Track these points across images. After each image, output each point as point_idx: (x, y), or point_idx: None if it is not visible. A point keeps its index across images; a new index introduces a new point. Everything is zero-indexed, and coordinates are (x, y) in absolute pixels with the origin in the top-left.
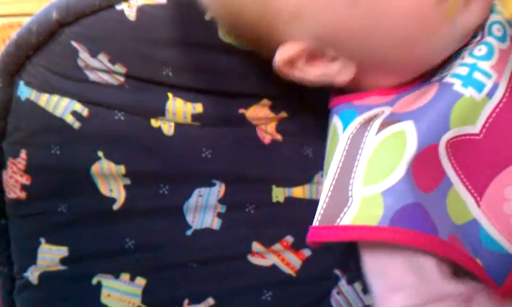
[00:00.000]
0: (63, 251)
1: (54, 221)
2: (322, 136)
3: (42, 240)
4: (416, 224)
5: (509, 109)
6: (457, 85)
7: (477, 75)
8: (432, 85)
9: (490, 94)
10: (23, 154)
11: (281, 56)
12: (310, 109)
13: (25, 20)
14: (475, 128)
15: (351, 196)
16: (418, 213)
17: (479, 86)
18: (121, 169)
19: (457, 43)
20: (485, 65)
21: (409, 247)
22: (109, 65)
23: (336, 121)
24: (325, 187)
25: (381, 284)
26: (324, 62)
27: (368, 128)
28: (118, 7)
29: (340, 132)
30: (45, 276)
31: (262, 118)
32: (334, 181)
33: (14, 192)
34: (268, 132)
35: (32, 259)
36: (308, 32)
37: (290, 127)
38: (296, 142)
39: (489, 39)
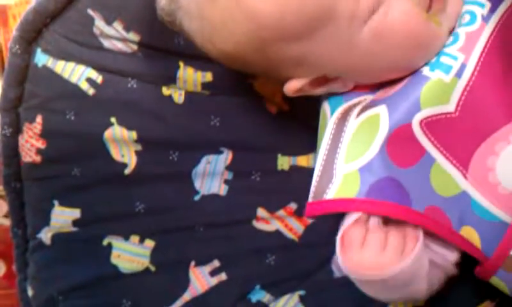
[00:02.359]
0: (75, 213)
1: (68, 184)
2: None
3: (56, 202)
4: (389, 196)
5: (481, 85)
6: (426, 70)
7: (444, 59)
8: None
9: (459, 74)
10: (39, 119)
11: (289, 89)
12: None
13: None
14: (450, 107)
15: (335, 173)
16: (391, 186)
17: (446, 68)
18: (133, 134)
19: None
20: (451, 49)
21: None
22: (124, 33)
23: (325, 106)
24: (316, 167)
25: None
26: (327, 84)
27: (351, 113)
28: None
29: (328, 116)
30: (57, 237)
31: (270, 87)
32: (323, 161)
33: (29, 156)
34: (275, 102)
35: (45, 220)
36: (311, 72)
37: (297, 98)
38: (302, 112)
39: (457, 29)
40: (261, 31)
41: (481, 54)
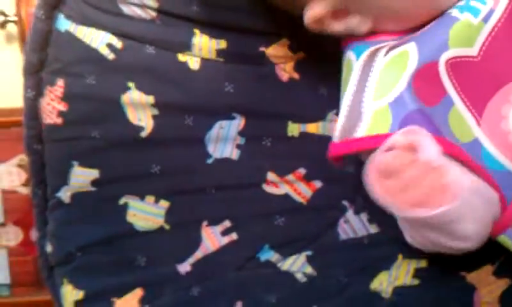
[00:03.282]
0: (94, 174)
1: (87, 146)
2: (337, 77)
3: (75, 163)
4: (422, 126)
5: (505, 33)
6: (455, 12)
7: (473, 3)
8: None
9: (486, 19)
10: (60, 82)
11: (309, 15)
12: (326, 51)
13: None
14: (473, 51)
15: (364, 111)
16: (422, 118)
17: (475, 12)
18: (151, 99)
19: None
20: None
21: None
22: (141, 4)
23: (350, 55)
24: (342, 109)
25: None
26: (345, 18)
27: (378, 54)
28: None
29: (354, 62)
30: (76, 196)
31: (281, 56)
32: (350, 102)
33: (51, 118)
34: (286, 71)
35: (65, 180)
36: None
37: (307, 67)
38: (312, 81)
39: None
40: None
41: (509, 2)
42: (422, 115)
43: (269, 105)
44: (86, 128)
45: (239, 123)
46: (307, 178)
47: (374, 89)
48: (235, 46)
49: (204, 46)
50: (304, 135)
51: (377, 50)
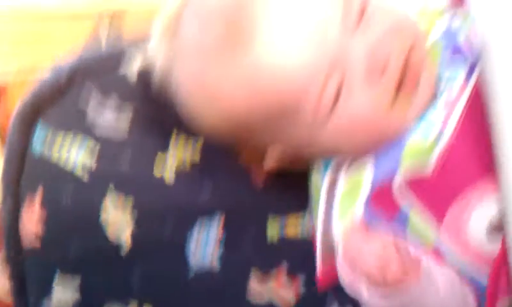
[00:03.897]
0: (76, 283)
1: (67, 260)
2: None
3: (57, 272)
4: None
5: (458, 150)
6: (407, 135)
7: (424, 125)
8: None
9: (437, 139)
10: (37, 203)
11: (267, 167)
12: None
13: (38, 74)
14: (428, 169)
15: (335, 234)
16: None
17: (426, 133)
18: (129, 203)
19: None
20: (430, 116)
21: None
22: (118, 108)
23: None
24: (317, 234)
25: None
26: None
27: (340, 173)
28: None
29: (322, 175)
30: None
31: (257, 155)
32: (321, 227)
33: (30, 228)
34: (262, 170)
35: (47, 292)
36: (283, 150)
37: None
38: (289, 176)
39: (437, 98)
40: (233, 119)
41: (458, 121)
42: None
43: (247, 205)
44: (64, 245)
45: (218, 223)
46: (289, 281)
47: (339, 208)
48: (211, 147)
49: (180, 147)
50: (283, 236)
51: (339, 164)
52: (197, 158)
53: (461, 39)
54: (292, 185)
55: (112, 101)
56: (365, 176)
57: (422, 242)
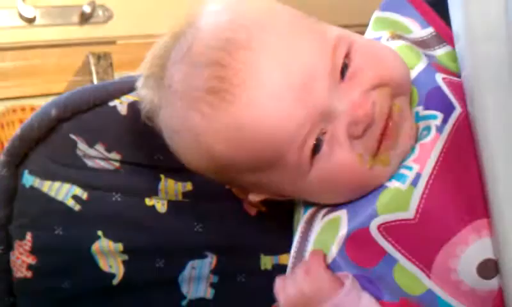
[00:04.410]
0: None
1: (59, 297)
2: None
3: None
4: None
5: (438, 193)
6: None
7: (400, 170)
8: None
9: (415, 183)
10: (28, 236)
11: (251, 201)
12: None
13: (27, 103)
14: (409, 214)
15: None
16: (363, 281)
17: (402, 178)
18: (120, 246)
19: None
20: (407, 161)
21: None
22: (106, 153)
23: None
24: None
25: None
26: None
27: (318, 215)
28: (111, 103)
29: (302, 214)
30: None
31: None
32: (291, 263)
33: (21, 271)
34: (254, 204)
35: None
36: (267, 192)
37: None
38: (280, 212)
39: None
40: (217, 163)
41: (436, 163)
42: (361, 278)
43: (239, 240)
44: (56, 280)
45: (210, 261)
46: None
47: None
48: (201, 186)
49: (170, 190)
50: (277, 267)
51: (317, 210)
52: (190, 187)
53: (440, 78)
54: (283, 219)
55: (99, 151)
56: (342, 220)
57: (409, 288)
